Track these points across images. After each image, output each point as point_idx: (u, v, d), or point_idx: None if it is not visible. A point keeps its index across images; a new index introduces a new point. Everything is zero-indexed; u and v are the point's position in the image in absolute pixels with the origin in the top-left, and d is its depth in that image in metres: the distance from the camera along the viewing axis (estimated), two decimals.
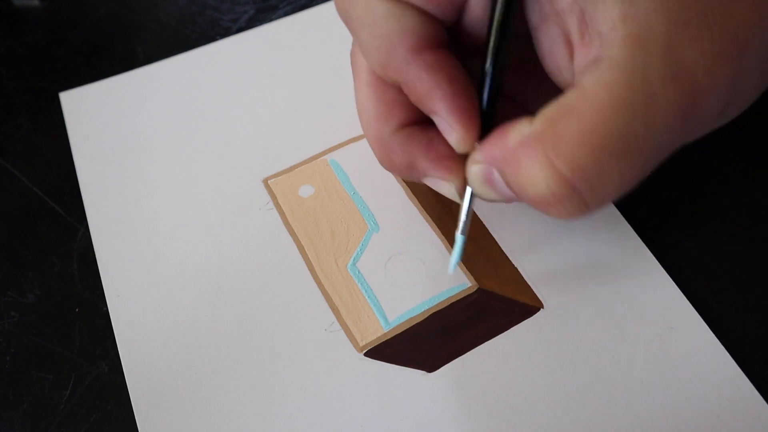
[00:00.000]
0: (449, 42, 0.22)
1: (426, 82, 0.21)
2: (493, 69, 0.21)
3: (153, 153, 0.32)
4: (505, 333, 0.26)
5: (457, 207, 0.29)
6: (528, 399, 0.25)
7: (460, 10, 0.22)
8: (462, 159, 0.23)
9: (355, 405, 0.25)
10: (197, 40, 0.37)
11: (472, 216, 0.29)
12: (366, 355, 0.26)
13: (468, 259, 0.28)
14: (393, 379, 0.26)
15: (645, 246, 0.28)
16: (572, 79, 0.21)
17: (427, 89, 0.21)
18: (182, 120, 0.33)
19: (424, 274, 0.28)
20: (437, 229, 0.29)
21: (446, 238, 0.29)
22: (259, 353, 0.26)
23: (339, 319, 0.27)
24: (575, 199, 0.20)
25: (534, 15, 0.21)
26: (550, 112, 0.20)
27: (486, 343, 0.26)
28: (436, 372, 0.26)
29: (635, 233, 0.28)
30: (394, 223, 0.29)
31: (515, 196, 0.21)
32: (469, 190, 0.23)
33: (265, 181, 0.31)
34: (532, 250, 0.28)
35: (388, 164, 0.25)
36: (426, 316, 0.27)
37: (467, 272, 0.28)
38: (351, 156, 0.31)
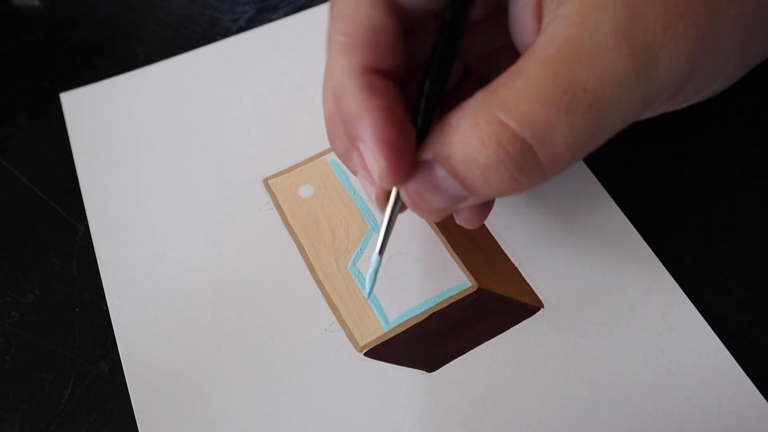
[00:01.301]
0: (404, 78, 0.21)
1: (361, 104, 0.20)
2: (429, 95, 0.20)
3: (153, 153, 0.32)
4: (505, 333, 0.26)
5: None
6: (528, 399, 0.25)
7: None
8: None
9: (355, 405, 0.25)
10: (197, 40, 0.37)
11: None
12: (366, 355, 0.26)
13: (468, 259, 0.28)
14: (393, 379, 0.26)
15: (647, 245, 0.28)
16: None
17: (359, 111, 0.20)
18: (182, 120, 0.33)
19: (424, 274, 0.28)
20: (437, 229, 0.29)
21: (446, 238, 0.29)
22: (259, 353, 0.26)
23: (339, 319, 0.27)
24: (528, 156, 0.18)
25: None
26: (494, 81, 0.19)
27: (486, 343, 0.26)
28: (436, 372, 0.26)
29: (637, 233, 0.28)
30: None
31: (461, 189, 0.20)
32: (391, 203, 0.22)
33: (265, 181, 0.31)
34: (532, 250, 0.28)
35: (331, 142, 0.24)
36: (426, 316, 0.27)
37: (467, 272, 0.28)
38: None
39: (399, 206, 0.22)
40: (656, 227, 0.28)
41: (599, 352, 0.26)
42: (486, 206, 0.24)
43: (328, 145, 0.32)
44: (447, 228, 0.29)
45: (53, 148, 0.33)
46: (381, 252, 0.23)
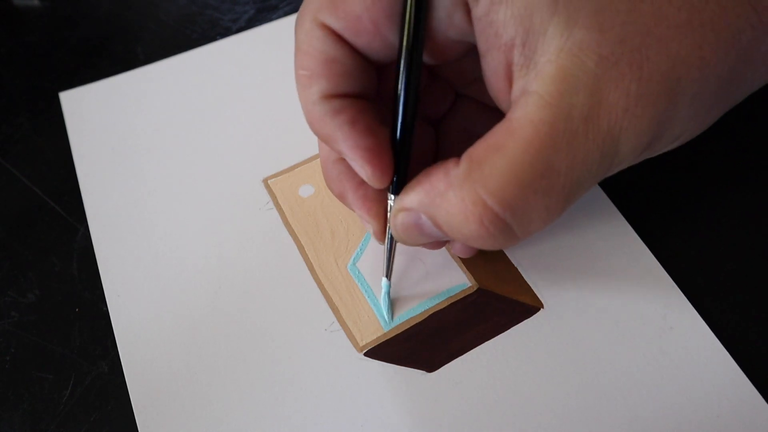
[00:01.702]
0: (375, 83, 0.23)
1: (328, 126, 0.22)
2: (403, 108, 0.22)
3: (153, 153, 0.32)
4: (505, 333, 0.26)
5: None
6: (528, 399, 0.25)
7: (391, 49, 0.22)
8: (384, 204, 0.24)
9: (355, 405, 0.25)
10: (197, 40, 0.37)
11: None
12: (366, 355, 0.26)
13: (468, 260, 0.28)
14: (393, 379, 0.26)
15: (645, 246, 0.28)
16: (509, 107, 0.21)
17: (330, 131, 0.22)
18: (182, 120, 0.33)
19: (424, 274, 0.28)
20: None
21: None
22: (259, 353, 0.26)
23: (339, 319, 0.27)
24: (505, 233, 0.20)
25: (480, 44, 0.21)
26: (477, 152, 0.20)
27: (486, 343, 0.26)
28: (436, 372, 0.26)
29: (636, 234, 0.28)
30: None
31: (443, 236, 0.22)
32: (389, 234, 0.24)
33: (265, 181, 0.31)
34: (532, 250, 0.28)
35: (328, 186, 0.26)
36: (426, 316, 0.27)
37: (467, 272, 0.28)
38: None
39: (394, 246, 0.25)
40: (655, 229, 0.29)
41: (599, 352, 0.26)
42: None
43: None
44: None
45: (53, 148, 0.33)
46: (388, 276, 0.26)
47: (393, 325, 0.27)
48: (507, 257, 0.28)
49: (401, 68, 0.21)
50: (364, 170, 0.22)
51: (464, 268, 0.28)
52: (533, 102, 0.19)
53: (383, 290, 0.27)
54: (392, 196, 0.23)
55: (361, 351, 0.26)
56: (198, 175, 0.31)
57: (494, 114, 0.24)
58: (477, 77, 0.24)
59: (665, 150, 0.23)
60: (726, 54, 0.20)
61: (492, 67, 0.21)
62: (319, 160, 0.31)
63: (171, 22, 0.38)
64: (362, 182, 0.24)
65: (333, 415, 0.25)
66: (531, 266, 0.28)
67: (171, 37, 0.37)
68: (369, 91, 0.23)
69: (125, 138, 0.33)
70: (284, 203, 0.30)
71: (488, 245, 0.21)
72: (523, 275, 0.28)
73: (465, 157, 0.20)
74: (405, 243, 0.24)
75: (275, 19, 0.37)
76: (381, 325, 0.27)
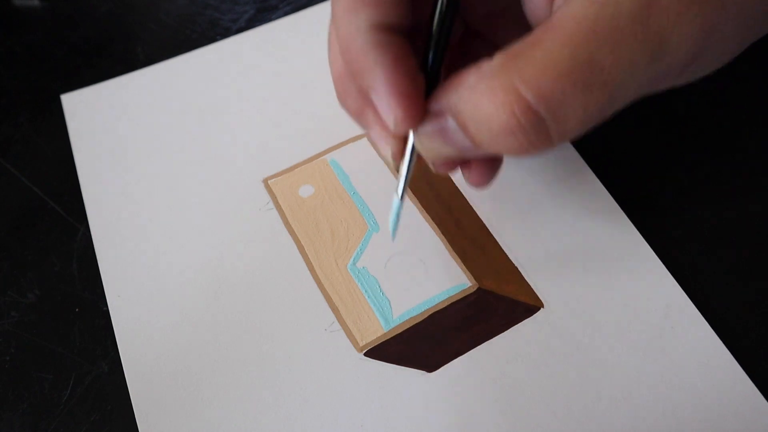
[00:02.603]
0: (412, 33, 0.22)
1: (371, 59, 0.21)
2: (437, 44, 0.21)
3: (153, 153, 0.32)
4: (505, 333, 0.26)
5: (456, 206, 0.29)
6: (528, 399, 0.25)
7: None
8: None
9: (355, 405, 0.25)
10: (197, 40, 0.37)
11: (474, 216, 0.29)
12: (366, 355, 0.26)
13: (468, 259, 0.28)
14: (393, 379, 0.26)
15: (647, 245, 0.28)
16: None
17: (371, 66, 0.21)
18: (182, 120, 0.33)
19: (424, 274, 0.28)
20: (437, 229, 0.29)
21: (446, 238, 0.29)
22: (259, 353, 0.26)
23: (339, 319, 0.27)
24: (539, 129, 0.19)
25: None
26: (513, 47, 0.19)
27: (486, 343, 0.26)
28: (436, 372, 0.26)
29: (638, 233, 0.28)
30: None
31: (469, 143, 0.21)
32: (408, 151, 0.23)
33: (265, 181, 0.31)
34: (532, 250, 0.28)
35: (342, 102, 0.25)
36: (426, 316, 0.27)
37: (467, 272, 0.28)
38: (351, 156, 0.31)
39: (414, 159, 0.23)
40: (657, 227, 0.28)
41: (599, 352, 0.26)
42: (494, 166, 0.25)
43: (328, 145, 0.32)
44: (447, 228, 0.29)
45: (53, 148, 0.33)
46: (402, 197, 0.24)
47: (393, 324, 0.27)
48: (507, 257, 0.28)
49: None
50: (393, 112, 0.21)
51: (464, 268, 0.28)
52: (576, 1, 0.18)
53: (393, 209, 0.25)
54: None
55: (361, 351, 0.26)
56: (198, 176, 0.31)
57: None
58: (491, 12, 0.23)
59: (708, 71, 0.22)
60: None
61: None
62: (319, 160, 0.31)
63: (171, 22, 0.38)
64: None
65: (333, 415, 0.25)
66: (531, 266, 0.28)
67: (171, 37, 0.37)
68: (408, 25, 0.22)
69: (125, 138, 0.33)
70: (284, 203, 0.30)
71: (518, 146, 0.19)
72: (523, 275, 0.28)
73: (498, 52, 0.19)
74: (427, 156, 0.23)
75: (275, 19, 0.37)
76: (381, 325, 0.27)
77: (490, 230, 0.29)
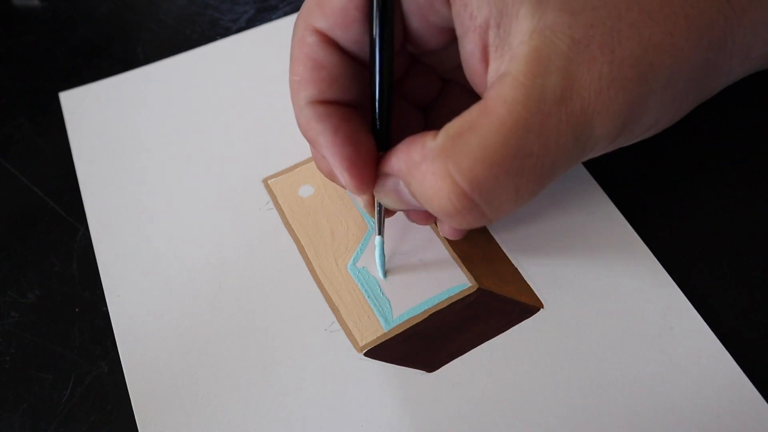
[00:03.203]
0: (361, 90, 0.24)
1: (312, 131, 0.23)
2: (379, 89, 0.22)
3: (153, 153, 0.32)
4: (505, 333, 0.26)
5: None
6: (528, 399, 0.25)
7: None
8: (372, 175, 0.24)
9: (355, 405, 0.25)
10: (197, 40, 0.37)
11: None
12: (366, 355, 0.26)
13: (468, 259, 0.28)
14: (393, 379, 0.26)
15: (645, 246, 0.28)
16: (485, 89, 0.21)
17: (314, 136, 0.23)
18: (182, 120, 0.33)
19: (424, 274, 0.28)
20: (437, 229, 0.29)
21: (446, 238, 0.29)
22: (259, 353, 0.26)
23: (339, 319, 0.27)
24: (475, 211, 0.20)
25: (457, 27, 0.21)
26: (453, 128, 0.20)
27: (486, 343, 0.26)
28: (436, 372, 0.26)
29: (636, 233, 0.28)
30: (394, 223, 0.29)
31: (420, 206, 0.22)
32: (377, 207, 0.25)
33: (265, 181, 0.31)
34: (532, 250, 0.28)
35: (317, 165, 0.26)
36: (426, 316, 0.27)
37: (467, 272, 0.28)
38: None
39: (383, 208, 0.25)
40: (654, 228, 0.29)
41: (599, 352, 0.26)
42: None
43: None
44: None
45: (53, 148, 0.33)
46: (380, 232, 0.26)
47: (393, 324, 0.27)
48: (507, 257, 0.28)
49: (374, 16, 0.21)
50: (343, 177, 0.23)
51: (464, 268, 0.28)
52: (507, 82, 0.19)
53: (377, 248, 0.27)
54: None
55: (361, 351, 0.26)
56: (198, 175, 0.31)
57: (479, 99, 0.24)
58: (460, 63, 0.24)
59: (642, 138, 0.23)
60: (698, 42, 0.20)
61: (469, 49, 0.21)
62: None
63: (171, 22, 0.38)
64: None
65: (333, 415, 0.25)
66: (531, 266, 0.28)
67: (171, 37, 0.37)
68: (355, 98, 0.24)
69: (125, 138, 0.33)
70: (284, 203, 0.30)
71: (458, 222, 0.21)
72: (523, 275, 0.28)
73: (442, 131, 0.21)
74: (388, 207, 0.24)
75: (275, 19, 0.37)
76: (381, 325, 0.27)
77: (490, 230, 0.29)
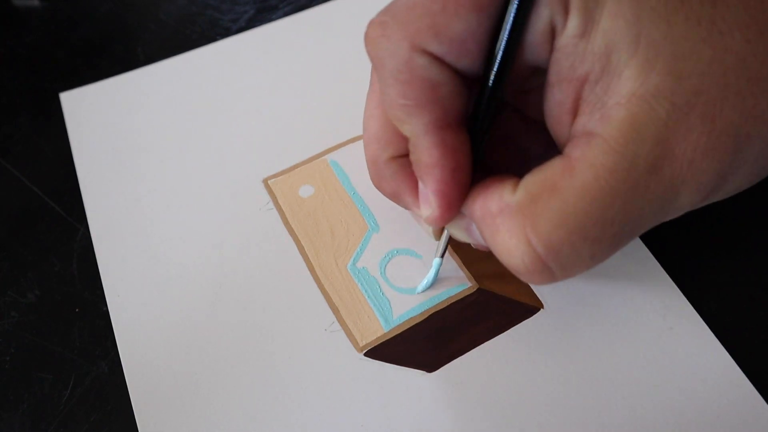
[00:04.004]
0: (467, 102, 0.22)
1: (432, 157, 0.21)
2: (483, 116, 0.22)
3: (153, 153, 0.32)
4: (505, 333, 0.26)
5: None
6: (528, 399, 0.25)
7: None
8: None
9: (355, 405, 0.25)
10: (197, 40, 0.37)
11: None
12: (366, 355, 0.26)
13: (468, 260, 0.28)
14: (393, 379, 0.26)
15: (645, 246, 0.28)
16: (567, 140, 0.20)
17: (429, 162, 0.21)
18: (182, 120, 0.33)
19: (424, 274, 0.28)
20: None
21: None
22: (259, 353, 0.26)
23: (339, 319, 0.27)
24: (544, 273, 0.20)
25: (552, 73, 0.20)
26: (533, 185, 0.20)
27: (486, 343, 0.26)
28: (436, 372, 0.26)
29: None
30: (394, 223, 0.29)
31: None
32: (446, 231, 0.25)
33: (265, 181, 0.31)
34: None
35: (377, 186, 0.25)
36: (426, 316, 0.27)
37: (467, 272, 0.28)
38: (351, 156, 0.31)
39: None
40: (654, 228, 0.28)
41: (599, 353, 0.26)
42: None
43: (328, 145, 0.32)
44: None
45: (53, 148, 0.33)
46: (441, 255, 0.26)
47: (393, 324, 0.27)
48: None
49: (491, 73, 0.20)
50: (430, 210, 0.22)
51: (464, 268, 0.28)
52: (597, 145, 0.19)
53: (434, 269, 0.27)
54: None
55: (361, 351, 0.26)
56: (198, 175, 0.31)
57: (535, 126, 0.23)
58: (525, 90, 0.23)
59: (722, 198, 0.22)
60: None
61: (558, 99, 0.20)
62: (319, 160, 0.31)
63: (171, 22, 0.38)
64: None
65: (333, 415, 0.25)
66: None
67: (171, 37, 0.37)
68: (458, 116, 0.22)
69: (125, 138, 0.33)
70: (284, 203, 0.30)
71: (526, 280, 0.21)
72: None
73: (521, 186, 0.20)
74: (455, 238, 0.24)
75: (275, 20, 0.37)
76: (381, 325, 0.27)
77: None
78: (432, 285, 0.27)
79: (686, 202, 0.20)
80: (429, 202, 0.22)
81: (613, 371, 0.25)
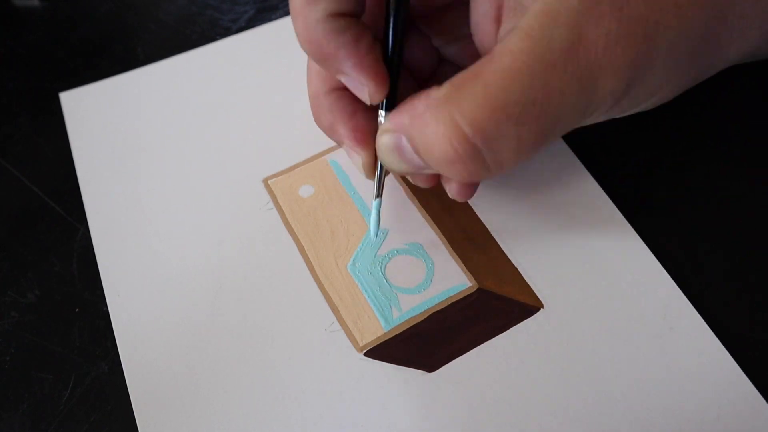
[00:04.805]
0: (363, 10, 0.24)
1: (333, 44, 0.22)
2: (394, 21, 0.23)
3: (153, 153, 0.32)
4: (505, 333, 0.26)
5: (457, 206, 0.30)
6: (528, 399, 0.25)
7: None
8: (373, 135, 0.24)
9: (355, 405, 0.25)
10: (197, 40, 0.37)
11: (474, 217, 0.29)
12: (366, 355, 0.26)
13: (468, 259, 0.28)
14: (393, 379, 0.26)
15: (645, 246, 0.28)
16: None
17: (333, 50, 0.22)
18: (182, 120, 0.33)
19: (424, 274, 0.28)
20: (437, 229, 0.29)
21: (446, 237, 0.29)
22: (259, 353, 0.26)
23: (339, 319, 0.27)
24: (476, 159, 0.21)
25: None
26: (458, 78, 0.21)
27: (486, 343, 0.26)
28: (436, 372, 0.26)
29: (636, 234, 0.28)
30: (394, 223, 0.29)
31: (422, 162, 0.22)
32: (379, 163, 0.25)
33: (265, 181, 0.31)
34: (532, 250, 0.28)
35: (316, 119, 0.27)
36: (426, 316, 0.27)
37: (467, 272, 0.28)
38: None
39: (384, 169, 0.26)
40: (654, 228, 0.28)
41: (599, 352, 0.26)
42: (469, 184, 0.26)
43: (328, 145, 0.32)
44: (447, 228, 0.29)
45: (53, 148, 0.33)
46: (379, 195, 0.27)
47: (393, 324, 0.27)
48: (507, 257, 0.28)
49: None
50: (366, 87, 0.23)
51: (464, 268, 0.28)
52: (515, 35, 0.20)
53: (374, 210, 0.27)
54: (383, 113, 0.24)
55: (361, 351, 0.26)
56: (198, 175, 0.31)
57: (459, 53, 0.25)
58: (460, 35, 0.24)
59: (644, 107, 0.23)
60: (701, 8, 0.21)
61: (482, 11, 0.22)
62: (319, 160, 0.31)
63: (171, 22, 0.38)
64: (353, 113, 0.25)
65: (333, 415, 0.25)
66: (531, 266, 0.28)
67: (171, 37, 0.37)
68: (362, 12, 0.24)
69: (125, 138, 0.33)
70: (284, 203, 0.30)
71: (461, 172, 0.21)
72: (523, 275, 0.28)
73: (447, 82, 0.21)
74: (390, 169, 0.24)
75: (275, 19, 0.37)
76: (381, 325, 0.27)
77: (490, 230, 0.29)
78: (378, 227, 0.27)
79: (606, 90, 0.20)
80: (357, 82, 0.23)
81: (613, 371, 0.25)
